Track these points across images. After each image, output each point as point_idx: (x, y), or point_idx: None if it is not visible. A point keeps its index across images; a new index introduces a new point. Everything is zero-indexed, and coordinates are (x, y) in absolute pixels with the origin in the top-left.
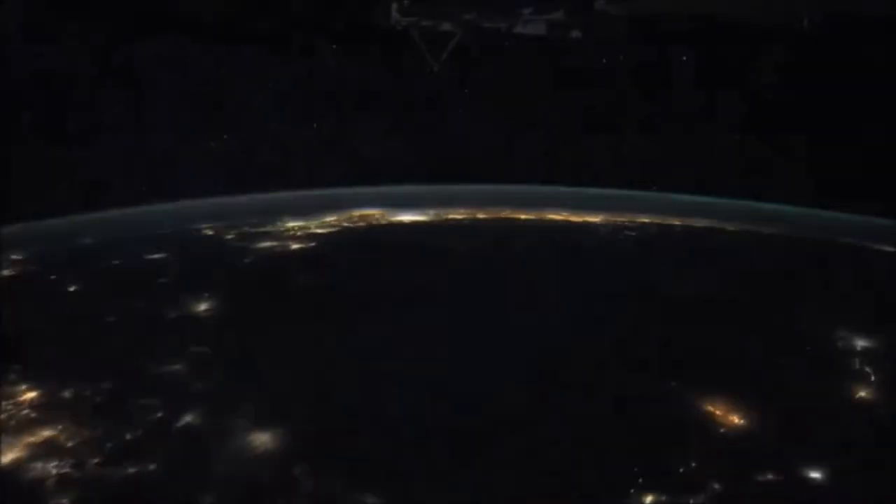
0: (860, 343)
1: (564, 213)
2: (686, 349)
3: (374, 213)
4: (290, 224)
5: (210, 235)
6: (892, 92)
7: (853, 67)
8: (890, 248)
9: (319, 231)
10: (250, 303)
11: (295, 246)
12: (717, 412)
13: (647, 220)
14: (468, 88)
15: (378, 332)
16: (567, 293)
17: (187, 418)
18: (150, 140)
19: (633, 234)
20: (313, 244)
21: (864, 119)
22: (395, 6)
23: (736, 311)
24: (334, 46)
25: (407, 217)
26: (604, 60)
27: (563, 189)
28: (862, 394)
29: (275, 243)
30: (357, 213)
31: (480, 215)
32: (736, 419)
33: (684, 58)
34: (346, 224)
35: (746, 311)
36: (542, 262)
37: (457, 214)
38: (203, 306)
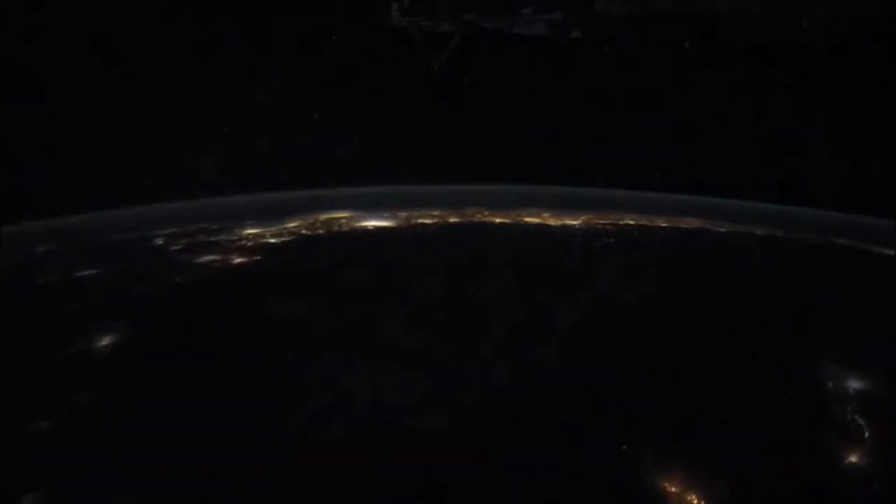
0: (855, 384)
1: (544, 215)
2: (641, 402)
3: (342, 216)
4: (248, 231)
5: (157, 246)
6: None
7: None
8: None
9: (273, 241)
10: (157, 337)
11: (237, 260)
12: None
13: (631, 222)
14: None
15: (291, 385)
16: (521, 329)
17: None
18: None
19: (612, 240)
20: (258, 258)
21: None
22: (395, 6)
23: (710, 344)
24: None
25: (373, 222)
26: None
27: (546, 188)
28: (853, 459)
29: (217, 257)
30: (324, 216)
31: (452, 219)
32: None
33: (684, 57)
34: (305, 231)
35: (722, 342)
36: (500, 287)
37: (427, 218)
38: (106, 340)
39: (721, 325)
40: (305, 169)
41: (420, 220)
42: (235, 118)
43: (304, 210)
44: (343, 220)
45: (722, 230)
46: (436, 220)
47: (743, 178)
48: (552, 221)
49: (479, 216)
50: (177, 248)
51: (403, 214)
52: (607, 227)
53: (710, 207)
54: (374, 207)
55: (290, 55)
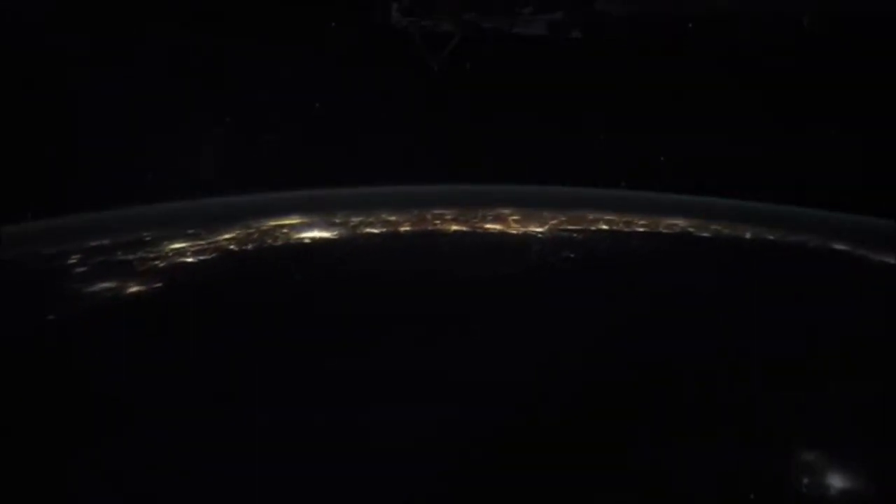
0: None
1: (511, 219)
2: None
3: (288, 223)
4: (172, 245)
5: (61, 266)
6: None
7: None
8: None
9: (189, 259)
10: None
11: (133, 289)
12: None
13: (605, 227)
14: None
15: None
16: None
17: None
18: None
19: (572, 254)
20: (158, 285)
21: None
22: (395, 6)
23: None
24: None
25: (313, 233)
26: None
27: (523, 188)
28: None
29: (112, 285)
30: (269, 224)
31: (404, 227)
32: None
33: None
34: (233, 247)
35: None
36: (434, 315)
37: (377, 226)
38: None
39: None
40: (298, 169)
41: (367, 230)
42: (230, 118)
43: (250, 217)
44: (284, 231)
45: (706, 234)
46: (384, 230)
47: (741, 179)
48: (515, 229)
49: (437, 223)
50: (81, 269)
51: (356, 220)
52: (574, 234)
53: (701, 207)
54: (326, 212)
55: (289, 55)
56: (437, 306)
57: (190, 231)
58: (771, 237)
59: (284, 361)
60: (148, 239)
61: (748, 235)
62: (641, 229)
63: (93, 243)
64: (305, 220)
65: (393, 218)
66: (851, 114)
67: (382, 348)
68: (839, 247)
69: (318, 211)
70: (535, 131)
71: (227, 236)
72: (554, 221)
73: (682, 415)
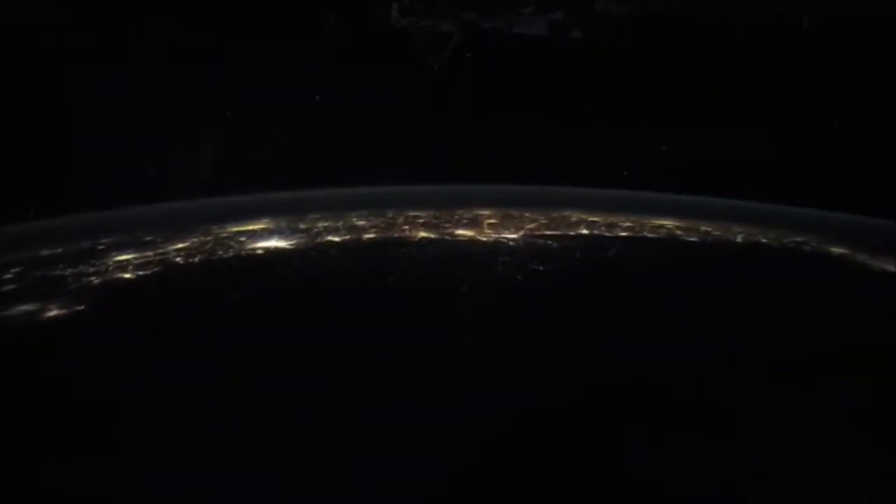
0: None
1: (483, 225)
2: None
3: (247, 230)
4: (117, 258)
5: None
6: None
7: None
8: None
9: (127, 276)
10: None
11: (53, 312)
12: None
13: (585, 232)
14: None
15: None
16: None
17: None
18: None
19: (541, 267)
20: (80, 308)
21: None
22: (395, 6)
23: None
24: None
25: (270, 242)
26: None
27: (507, 188)
28: None
29: (35, 306)
30: (229, 230)
31: (368, 235)
32: None
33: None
34: (178, 259)
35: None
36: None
37: (340, 233)
38: None
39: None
40: (297, 169)
41: (329, 238)
42: (229, 118)
43: (215, 222)
44: (241, 239)
45: (693, 238)
46: (347, 237)
47: (741, 178)
48: (486, 236)
49: (406, 228)
50: (10, 287)
51: (322, 226)
52: (549, 242)
53: (695, 207)
54: (297, 216)
55: (288, 55)
56: (369, 336)
57: (148, 238)
58: (764, 240)
59: (179, 405)
60: (100, 248)
61: (739, 239)
62: (625, 234)
63: (44, 252)
64: (270, 225)
65: (362, 223)
66: (851, 114)
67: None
68: (837, 250)
69: (290, 213)
70: (534, 131)
71: (179, 246)
72: (532, 225)
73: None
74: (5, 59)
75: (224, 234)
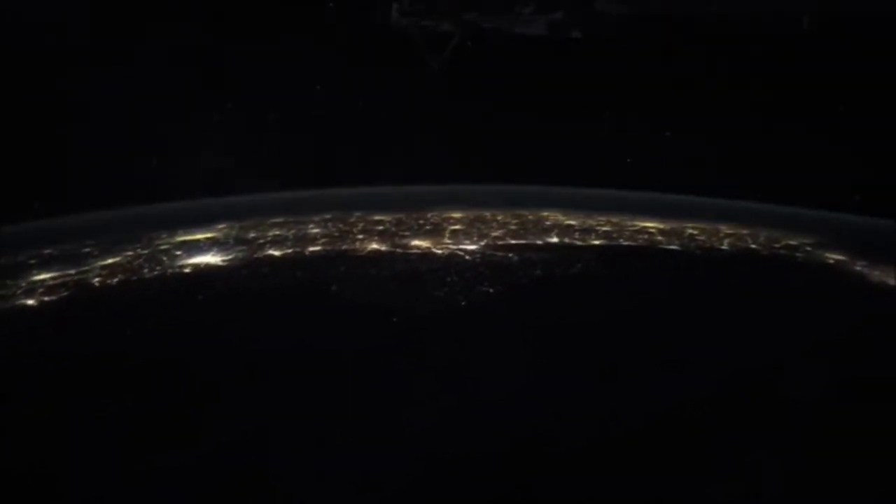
0: None
1: (445, 232)
2: None
3: (188, 240)
4: (35, 277)
5: None
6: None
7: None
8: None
9: (30, 302)
10: None
11: None
12: None
13: (555, 240)
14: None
15: None
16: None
17: None
18: None
19: (493, 290)
20: None
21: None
22: (395, 6)
23: None
24: None
25: (203, 258)
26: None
27: (490, 188)
28: None
29: None
30: (165, 242)
31: (315, 247)
32: None
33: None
34: (95, 281)
35: None
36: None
37: (282, 247)
38: None
39: None
40: (297, 169)
41: (270, 252)
42: (229, 118)
43: (163, 230)
44: (176, 253)
45: (674, 246)
46: (291, 251)
47: (740, 178)
48: (444, 247)
49: (360, 238)
50: None
51: (270, 235)
52: (510, 256)
53: (686, 206)
54: (252, 221)
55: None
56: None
57: (84, 250)
58: (754, 245)
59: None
60: (29, 263)
61: (726, 245)
62: (599, 241)
63: None
64: (219, 234)
65: (316, 230)
66: (851, 114)
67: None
68: (834, 257)
69: (245, 218)
70: (533, 131)
71: (108, 261)
72: (499, 232)
73: None
74: None
75: (163, 246)
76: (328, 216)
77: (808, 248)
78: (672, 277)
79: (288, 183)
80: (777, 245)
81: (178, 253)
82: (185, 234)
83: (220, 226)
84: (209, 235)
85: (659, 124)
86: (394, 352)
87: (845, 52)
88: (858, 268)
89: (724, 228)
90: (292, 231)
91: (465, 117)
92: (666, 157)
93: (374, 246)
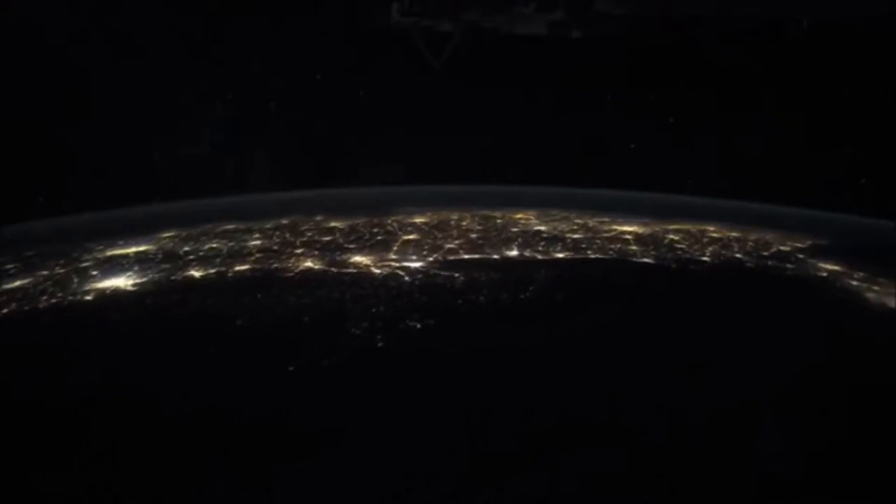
0: None
1: (393, 246)
2: None
3: (118, 254)
4: None
5: None
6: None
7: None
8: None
9: None
10: None
11: None
12: None
13: (514, 254)
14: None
15: None
16: None
17: None
18: None
19: (418, 325)
20: None
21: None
22: (395, 6)
23: None
24: None
25: (113, 282)
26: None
27: (473, 188)
28: None
29: None
30: (93, 257)
31: (242, 266)
32: None
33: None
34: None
35: None
36: None
37: (204, 267)
38: None
39: None
40: (296, 169)
41: (190, 273)
42: (228, 118)
43: (99, 241)
44: (93, 274)
45: (646, 259)
46: (211, 273)
47: (740, 178)
48: (385, 264)
49: (298, 253)
50: None
51: (204, 249)
52: (456, 276)
53: (675, 206)
54: (188, 232)
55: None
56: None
57: (8, 266)
58: (738, 254)
59: None
60: None
61: (707, 256)
62: (563, 254)
63: None
64: (150, 247)
65: (258, 241)
66: (851, 114)
67: None
68: (828, 267)
69: (199, 224)
70: (533, 131)
71: (15, 284)
72: (454, 244)
73: None
74: None
75: (84, 263)
76: (284, 221)
77: (801, 256)
78: (634, 308)
79: (282, 182)
80: (766, 253)
81: (94, 273)
82: (122, 245)
83: (166, 234)
84: (141, 249)
85: (657, 123)
86: (250, 412)
87: (845, 53)
88: (855, 282)
89: (711, 231)
90: (230, 244)
91: (465, 117)
92: (661, 155)
93: (308, 264)
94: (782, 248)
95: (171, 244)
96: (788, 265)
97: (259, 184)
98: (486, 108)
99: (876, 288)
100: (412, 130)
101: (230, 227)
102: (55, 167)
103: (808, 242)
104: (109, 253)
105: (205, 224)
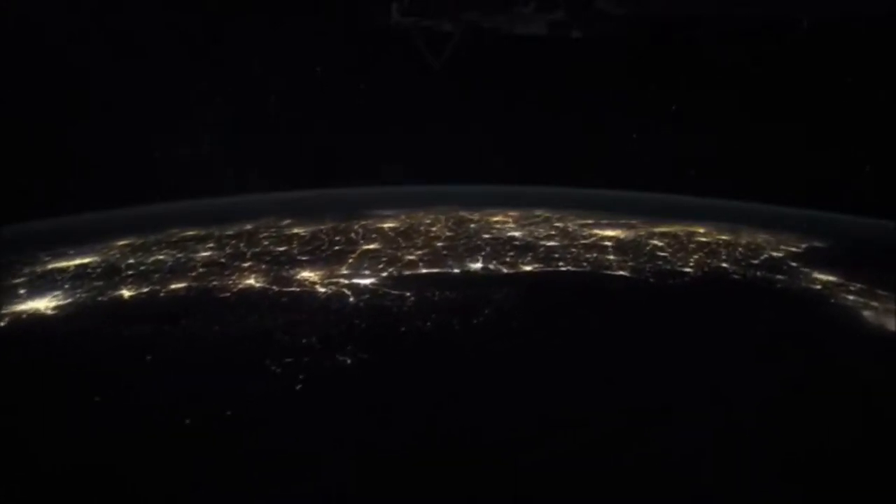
0: None
1: (351, 258)
2: None
3: (59, 266)
4: None
5: None
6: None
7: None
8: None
9: None
10: None
11: None
12: None
13: (477, 266)
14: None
15: None
16: None
17: None
18: None
19: (348, 361)
20: None
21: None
22: (395, 6)
23: None
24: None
25: (39, 302)
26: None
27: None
28: None
29: None
30: (42, 268)
31: (180, 283)
32: None
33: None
34: None
35: None
36: None
37: (139, 285)
38: None
39: None
40: (296, 169)
41: (122, 292)
42: (228, 117)
43: (45, 249)
44: (16, 294)
45: (623, 272)
46: (143, 292)
47: (739, 178)
48: (333, 281)
49: (245, 267)
50: None
51: (146, 264)
52: (407, 296)
53: (666, 206)
54: (131, 240)
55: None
56: None
57: None
58: (726, 264)
59: None
60: None
61: (691, 266)
62: (532, 266)
63: None
64: (92, 259)
65: (205, 253)
66: (851, 113)
67: None
68: (823, 278)
69: (164, 229)
70: (533, 131)
71: None
72: (415, 255)
73: None
74: None
75: (19, 279)
76: (248, 227)
77: (794, 265)
78: (596, 334)
79: (282, 182)
80: (756, 261)
81: (22, 292)
82: (70, 255)
83: (121, 242)
84: (85, 261)
85: (657, 123)
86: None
87: (845, 53)
88: (851, 297)
89: (701, 233)
90: (179, 255)
91: (464, 117)
92: (661, 155)
93: (250, 282)
94: (774, 253)
95: (118, 255)
96: (779, 276)
97: (259, 184)
98: (485, 108)
99: (874, 304)
100: (412, 130)
101: (190, 233)
102: (55, 167)
103: (804, 246)
104: (51, 266)
105: (169, 230)
